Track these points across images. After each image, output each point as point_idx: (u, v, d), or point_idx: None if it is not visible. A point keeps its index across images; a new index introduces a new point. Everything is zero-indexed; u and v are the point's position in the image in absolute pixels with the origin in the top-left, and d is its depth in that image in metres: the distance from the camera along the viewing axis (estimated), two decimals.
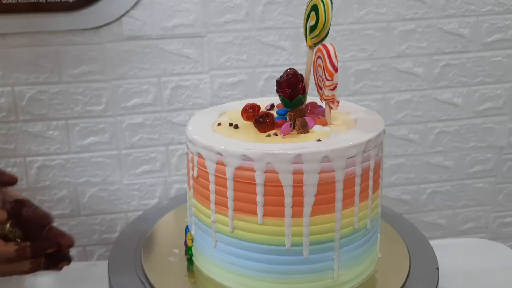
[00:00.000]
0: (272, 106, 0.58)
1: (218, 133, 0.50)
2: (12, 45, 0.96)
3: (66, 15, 0.80)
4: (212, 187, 0.48)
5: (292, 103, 0.52)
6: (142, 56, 0.86)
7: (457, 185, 1.67)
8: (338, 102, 0.50)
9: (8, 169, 0.80)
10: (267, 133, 0.50)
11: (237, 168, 0.46)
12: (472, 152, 1.63)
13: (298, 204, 0.45)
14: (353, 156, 0.46)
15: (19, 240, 0.49)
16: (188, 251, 0.55)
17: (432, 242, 0.58)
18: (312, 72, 0.53)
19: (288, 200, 0.45)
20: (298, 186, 0.45)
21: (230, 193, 0.47)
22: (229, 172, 0.46)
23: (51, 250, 0.49)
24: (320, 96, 0.52)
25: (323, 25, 0.51)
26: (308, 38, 0.53)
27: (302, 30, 0.64)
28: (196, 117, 0.56)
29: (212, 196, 0.48)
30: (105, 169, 0.92)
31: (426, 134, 1.59)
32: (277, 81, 0.53)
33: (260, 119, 0.51)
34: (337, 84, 0.47)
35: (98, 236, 0.98)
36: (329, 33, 0.51)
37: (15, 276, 0.66)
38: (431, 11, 1.47)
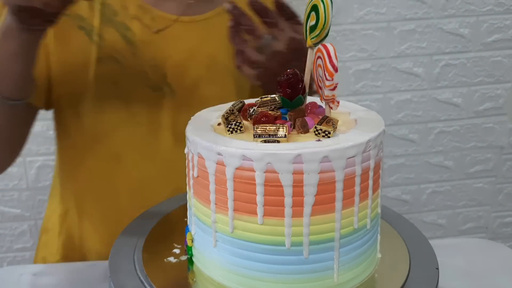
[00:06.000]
0: None
1: (218, 133, 0.50)
2: None
3: None
4: (212, 187, 0.48)
5: (292, 103, 0.52)
6: None
7: (457, 185, 1.67)
8: (338, 102, 0.50)
9: (8, 169, 0.80)
10: None
11: (237, 168, 0.45)
12: (472, 152, 1.63)
13: (298, 204, 0.45)
14: (353, 156, 0.46)
15: None
16: (188, 251, 0.55)
17: (432, 242, 0.58)
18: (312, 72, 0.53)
19: (288, 200, 0.45)
20: (298, 186, 0.45)
21: (230, 193, 0.47)
22: (229, 172, 0.46)
23: None
24: (320, 96, 0.52)
25: (323, 25, 0.51)
26: (308, 38, 0.53)
27: None
28: (196, 117, 0.56)
29: (212, 196, 0.48)
30: None
31: (426, 134, 1.60)
32: (277, 81, 0.53)
33: (260, 119, 0.51)
34: (337, 84, 0.47)
35: None
36: (329, 33, 0.51)
37: (14, 276, 0.66)
38: (431, 11, 1.47)
